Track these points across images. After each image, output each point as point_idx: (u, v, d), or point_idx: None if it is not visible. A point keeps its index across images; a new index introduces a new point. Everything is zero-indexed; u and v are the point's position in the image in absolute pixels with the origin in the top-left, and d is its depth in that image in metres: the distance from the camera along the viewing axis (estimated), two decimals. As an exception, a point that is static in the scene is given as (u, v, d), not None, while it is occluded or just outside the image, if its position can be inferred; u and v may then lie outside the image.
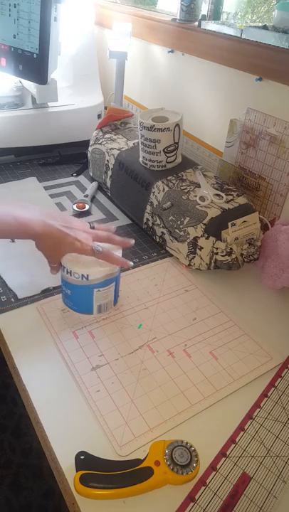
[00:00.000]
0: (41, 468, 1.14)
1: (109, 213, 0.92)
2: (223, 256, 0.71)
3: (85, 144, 1.02)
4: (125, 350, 0.61)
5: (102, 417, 0.52)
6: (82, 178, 1.04)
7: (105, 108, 1.13)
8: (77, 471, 0.45)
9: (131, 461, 0.46)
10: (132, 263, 0.63)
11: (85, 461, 0.46)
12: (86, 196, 0.95)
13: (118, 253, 0.63)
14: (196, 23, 0.95)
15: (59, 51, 0.91)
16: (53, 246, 0.59)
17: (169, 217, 0.76)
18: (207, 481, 0.46)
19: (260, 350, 0.62)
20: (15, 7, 0.85)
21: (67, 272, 0.61)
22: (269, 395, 0.56)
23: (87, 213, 0.91)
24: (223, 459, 0.48)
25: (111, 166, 0.91)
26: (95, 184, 0.99)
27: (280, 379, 0.58)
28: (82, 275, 0.59)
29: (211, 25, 0.90)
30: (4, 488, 1.09)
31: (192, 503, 0.44)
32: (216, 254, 0.72)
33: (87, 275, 0.59)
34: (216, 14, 0.93)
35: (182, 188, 0.77)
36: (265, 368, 0.60)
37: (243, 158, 0.88)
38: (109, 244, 0.64)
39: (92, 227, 0.64)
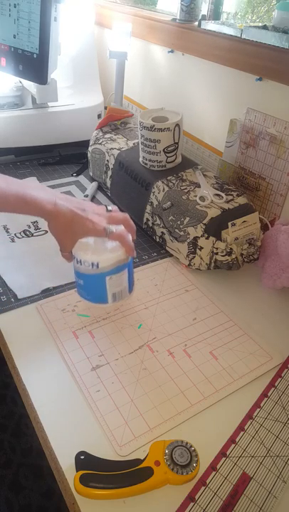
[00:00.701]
0: (41, 468, 1.14)
1: (109, 213, 0.92)
2: (223, 256, 0.71)
3: (85, 144, 1.02)
4: (125, 350, 0.61)
5: (102, 417, 0.52)
6: (82, 178, 1.04)
7: (105, 108, 1.13)
8: (77, 471, 0.45)
9: (131, 461, 0.46)
10: (135, 254, 0.62)
11: (85, 461, 0.46)
12: (86, 196, 0.95)
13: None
14: (196, 23, 0.95)
15: (59, 51, 0.91)
16: (64, 227, 0.58)
17: (169, 217, 0.76)
18: (207, 481, 0.46)
19: (260, 350, 0.62)
20: (15, 7, 0.85)
21: (78, 262, 0.60)
22: (269, 395, 0.56)
23: (87, 213, 0.91)
24: (223, 459, 0.48)
25: (111, 166, 0.91)
26: (95, 184, 0.99)
27: (280, 379, 0.58)
28: (92, 263, 0.58)
29: (211, 25, 0.90)
30: (4, 488, 1.09)
31: (192, 503, 0.44)
32: (216, 254, 0.72)
33: (97, 263, 0.58)
34: (216, 14, 0.93)
35: (182, 188, 0.77)
36: (265, 368, 0.60)
37: (243, 158, 0.88)
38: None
39: (109, 211, 0.63)
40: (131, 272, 0.64)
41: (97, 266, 0.58)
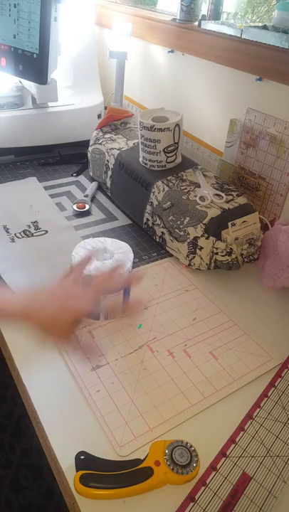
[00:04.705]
0: (41, 468, 1.14)
1: (109, 213, 0.92)
2: (223, 256, 0.71)
3: (85, 144, 1.02)
4: (125, 350, 0.61)
5: (102, 417, 0.52)
6: (82, 178, 1.04)
7: (105, 108, 1.13)
8: (77, 471, 0.45)
9: (131, 461, 0.46)
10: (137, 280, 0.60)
11: (85, 461, 0.46)
12: (86, 196, 0.95)
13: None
14: (196, 23, 0.95)
15: (59, 51, 0.91)
16: (44, 325, 0.50)
17: (169, 217, 0.76)
18: (207, 481, 0.46)
19: (260, 350, 0.62)
20: (15, 7, 0.85)
21: None
22: (269, 395, 0.56)
23: (87, 213, 0.91)
24: (223, 459, 0.48)
25: (111, 166, 0.91)
26: (95, 184, 0.99)
27: (280, 379, 0.58)
28: None
29: (211, 25, 0.90)
30: (4, 488, 1.09)
31: (192, 503, 0.44)
32: (216, 254, 0.72)
33: None
34: (216, 14, 0.93)
35: (182, 188, 0.77)
36: (265, 368, 0.60)
37: (243, 158, 0.88)
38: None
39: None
40: (128, 293, 0.64)
41: None
